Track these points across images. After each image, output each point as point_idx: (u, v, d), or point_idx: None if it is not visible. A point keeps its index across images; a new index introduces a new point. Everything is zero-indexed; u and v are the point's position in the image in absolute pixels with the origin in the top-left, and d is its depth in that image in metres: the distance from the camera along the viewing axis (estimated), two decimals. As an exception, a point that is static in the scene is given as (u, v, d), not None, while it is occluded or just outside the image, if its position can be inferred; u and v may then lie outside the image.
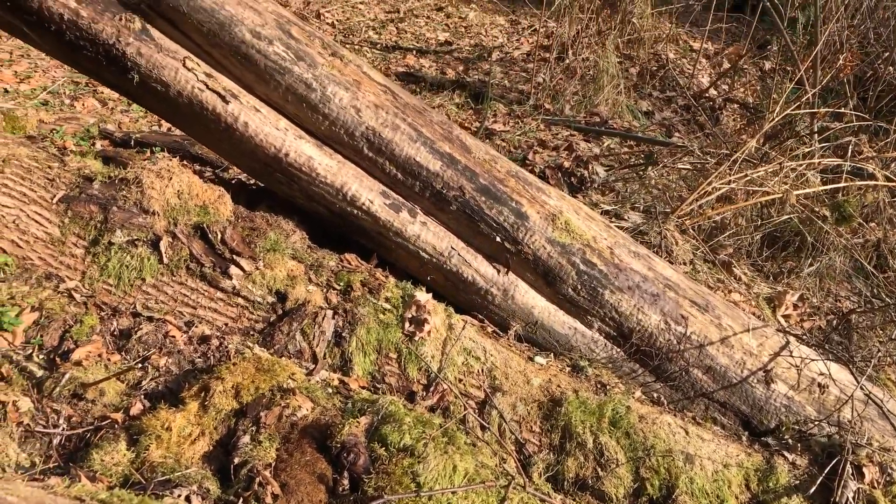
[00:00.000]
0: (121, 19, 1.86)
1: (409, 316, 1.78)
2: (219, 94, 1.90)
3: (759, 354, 2.07)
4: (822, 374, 2.06)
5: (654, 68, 5.95)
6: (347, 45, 6.58)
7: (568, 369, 1.96)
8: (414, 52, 6.58)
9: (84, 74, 2.04)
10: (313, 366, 1.63)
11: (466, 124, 3.98)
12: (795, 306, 2.65)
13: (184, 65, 1.89)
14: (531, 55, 6.68)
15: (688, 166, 3.10)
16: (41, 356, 1.43)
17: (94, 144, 2.88)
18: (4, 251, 1.59)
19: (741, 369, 2.04)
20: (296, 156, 1.96)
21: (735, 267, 2.66)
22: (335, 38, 6.87)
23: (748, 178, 2.56)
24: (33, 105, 3.36)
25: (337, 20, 7.71)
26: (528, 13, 9.35)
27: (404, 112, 2.02)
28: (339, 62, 1.99)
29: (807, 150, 2.87)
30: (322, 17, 7.55)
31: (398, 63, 5.95)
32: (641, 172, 3.07)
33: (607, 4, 5.55)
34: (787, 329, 2.28)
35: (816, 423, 1.96)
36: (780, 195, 2.50)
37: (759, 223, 2.75)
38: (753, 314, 2.43)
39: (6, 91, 3.56)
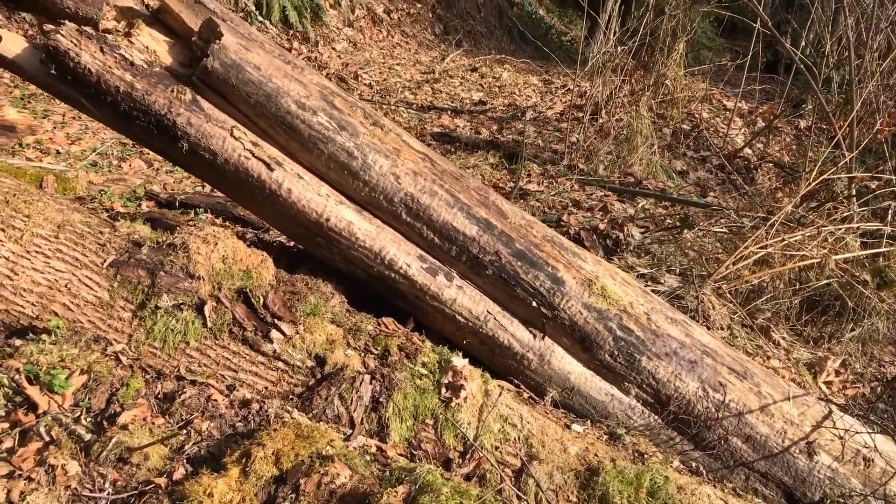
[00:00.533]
0: (173, 91, 1.95)
1: (446, 382, 1.79)
2: (264, 161, 1.97)
3: (801, 424, 2.03)
4: (866, 446, 2.01)
5: (688, 128, 5.98)
6: (384, 106, 6.74)
7: (605, 437, 1.94)
8: (449, 111, 6.71)
9: (135, 142, 2.13)
10: (351, 431, 1.64)
11: (500, 184, 4.03)
12: (837, 373, 2.60)
13: (231, 134, 1.96)
14: (564, 115, 6.78)
15: (724, 229, 3.09)
16: (89, 419, 1.46)
17: (140, 205, 2.98)
18: (56, 314, 1.65)
19: (782, 439, 2.01)
20: (336, 221, 2.01)
21: (774, 332, 2.63)
22: (372, 99, 7.05)
23: (785, 242, 2.55)
24: (83, 166, 3.50)
25: (374, 81, 7.92)
26: (560, 73, 9.52)
27: (442, 178, 2.06)
28: (380, 131, 2.05)
29: (845, 213, 2.85)
30: (360, 78, 7.76)
31: (433, 123, 6.08)
32: (677, 235, 3.07)
33: (640, 66, 5.63)
34: (829, 397, 2.24)
35: (862, 497, 1.90)
36: (819, 260, 2.47)
37: (797, 287, 2.72)
38: (794, 381, 2.39)
39: (59, 152, 3.71)
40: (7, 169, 3.03)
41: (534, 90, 8.33)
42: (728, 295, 2.59)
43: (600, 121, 5.42)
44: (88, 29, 1.92)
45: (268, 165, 1.97)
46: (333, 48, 8.85)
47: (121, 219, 1.94)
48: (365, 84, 7.68)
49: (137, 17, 2.06)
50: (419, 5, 11.02)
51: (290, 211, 2.01)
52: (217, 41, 1.93)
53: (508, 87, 8.42)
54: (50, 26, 1.96)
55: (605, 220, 3.18)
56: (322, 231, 2.03)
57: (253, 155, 1.97)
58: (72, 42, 1.88)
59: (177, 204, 2.97)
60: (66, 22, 1.90)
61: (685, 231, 3.04)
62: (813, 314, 2.80)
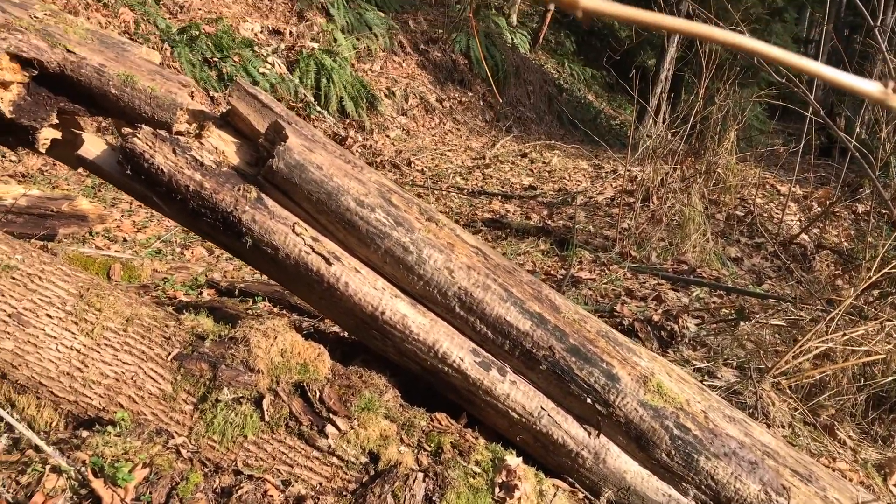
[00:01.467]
0: (239, 189, 2.05)
1: (500, 481, 1.77)
2: (323, 256, 2.03)
3: (874, 533, 1.93)
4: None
5: (742, 214, 5.94)
6: (436, 191, 6.88)
7: (664, 542, 1.87)
8: (499, 197, 6.82)
9: (201, 237, 2.23)
10: (403, 530, 1.63)
11: (552, 271, 4.05)
12: (910, 475, 2.47)
13: (293, 230, 2.04)
14: (615, 200, 6.81)
15: (782, 322, 3.03)
16: (148, 513, 1.49)
17: (201, 293, 3.08)
18: (122, 406, 1.70)
19: (854, 549, 1.91)
20: (391, 314, 2.05)
21: (838, 430, 2.53)
22: (424, 184, 7.21)
23: (847, 336, 2.48)
24: (148, 254, 3.65)
25: (426, 167, 8.13)
26: (610, 158, 9.61)
27: (495, 272, 2.09)
28: (435, 226, 2.11)
29: (910, 306, 2.77)
30: (412, 164, 7.98)
31: (484, 208, 6.17)
32: (733, 326, 3.02)
33: (692, 152, 5.66)
34: (903, 503, 2.12)
35: None
36: (884, 355, 2.40)
37: (862, 383, 2.63)
38: (862, 484, 2.28)
39: (125, 240, 3.89)
40: (78, 258, 3.18)
41: (584, 175, 8.41)
42: (788, 391, 2.51)
43: (652, 207, 5.44)
44: (163, 132, 2.04)
45: (326, 260, 2.03)
46: (387, 135, 9.15)
47: (185, 311, 2.01)
48: (417, 170, 7.88)
49: (208, 120, 2.19)
50: (470, 94, 11.36)
51: (347, 304, 2.06)
52: (282, 143, 2.03)
53: (558, 171, 8.53)
54: (128, 130, 2.10)
55: (660, 311, 3.15)
56: (377, 324, 2.06)
57: (313, 250, 2.04)
58: (147, 144, 2.00)
59: (236, 292, 3.06)
60: (143, 126, 2.04)
61: (742, 322, 2.99)
62: (880, 411, 2.69)
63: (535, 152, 9.52)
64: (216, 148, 2.12)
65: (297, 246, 2.03)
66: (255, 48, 8.31)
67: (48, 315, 1.77)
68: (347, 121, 8.68)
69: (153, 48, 7.51)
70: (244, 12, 9.33)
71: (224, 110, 2.23)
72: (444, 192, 6.86)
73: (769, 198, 7.12)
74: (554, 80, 15.42)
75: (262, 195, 2.08)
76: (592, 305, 3.40)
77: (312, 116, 8.36)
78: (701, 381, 2.46)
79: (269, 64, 8.21)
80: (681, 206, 4.69)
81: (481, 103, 11.50)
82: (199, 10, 8.84)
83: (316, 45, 8.96)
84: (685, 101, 5.71)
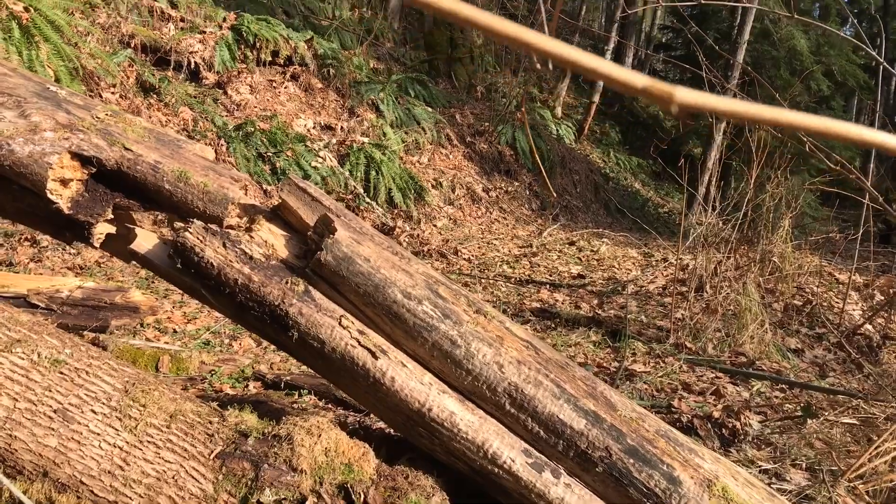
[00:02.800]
0: (287, 283, 2.04)
1: None
2: (369, 350, 1.99)
3: None
4: None
5: (800, 303, 5.74)
6: (483, 280, 6.85)
7: None
8: (547, 286, 6.74)
9: (247, 329, 2.21)
10: None
11: (604, 364, 3.92)
12: None
13: (339, 323, 2.01)
14: (667, 289, 6.67)
15: (854, 420, 2.84)
16: None
17: (247, 386, 3.06)
18: (161, 507, 1.65)
19: None
20: (438, 411, 1.98)
21: (926, 540, 2.31)
22: (471, 273, 7.19)
23: (928, 437, 2.30)
24: (196, 345, 3.66)
25: (473, 255, 8.14)
26: (660, 246, 9.50)
27: (547, 367, 2.01)
28: (483, 318, 2.05)
29: None
30: (459, 253, 7.99)
31: (532, 298, 6.09)
32: (800, 424, 2.84)
33: (745, 241, 5.54)
34: None
35: None
36: (972, 459, 2.21)
37: (949, 488, 2.42)
38: None
39: (175, 331, 3.92)
40: (128, 349, 3.21)
41: (634, 263, 8.30)
42: (866, 496, 2.32)
43: (705, 296, 5.29)
44: (213, 226, 2.07)
45: (373, 354, 1.99)
46: (434, 225, 9.24)
47: (230, 407, 1.97)
48: (464, 259, 7.89)
49: (259, 214, 2.22)
50: (516, 183, 11.48)
51: (393, 399, 1.99)
52: (331, 236, 2.03)
53: (607, 260, 8.44)
54: (180, 224, 2.13)
55: (721, 409, 2.99)
56: (424, 421, 1.99)
57: (359, 343, 2.00)
58: (198, 238, 2.02)
59: (282, 385, 3.03)
60: (195, 220, 2.06)
61: (810, 420, 2.81)
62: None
63: (583, 240, 9.48)
64: (266, 241, 2.13)
65: (343, 339, 2.00)
66: (308, 143, 8.59)
67: (93, 411, 1.75)
68: (396, 211, 8.81)
69: (209, 144, 7.82)
70: (298, 109, 9.71)
71: (275, 203, 2.26)
72: (490, 281, 6.82)
73: (827, 286, 6.89)
74: (600, 170, 15.54)
75: (310, 288, 2.06)
76: (648, 401, 3.25)
77: (362, 207, 8.51)
78: (769, 485, 2.30)
79: (321, 158, 8.45)
80: (736, 296, 4.55)
81: (527, 192, 11.59)
82: (255, 107, 9.23)
83: (366, 140, 9.22)
84: (734, 188, 5.63)
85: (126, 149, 2.12)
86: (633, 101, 21.37)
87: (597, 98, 16.32)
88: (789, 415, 2.99)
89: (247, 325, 2.17)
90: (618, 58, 20.24)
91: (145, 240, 2.15)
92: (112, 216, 2.18)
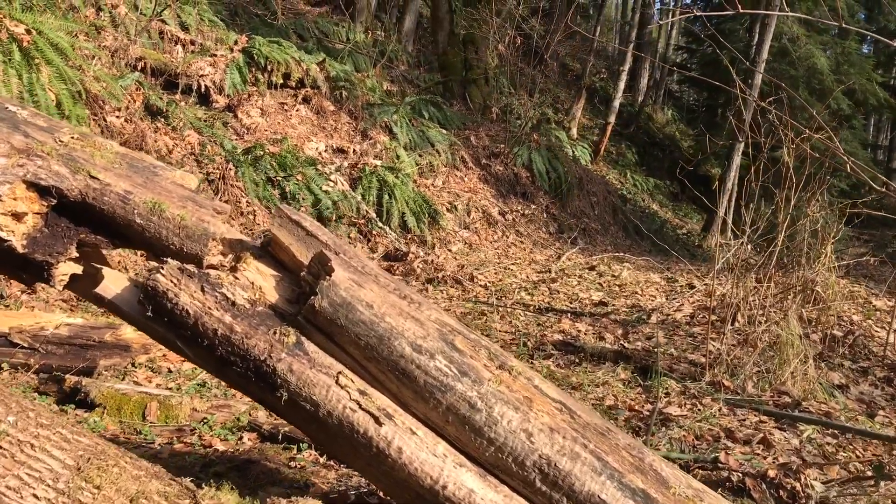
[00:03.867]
0: (275, 333, 1.73)
1: None
2: (372, 414, 1.67)
3: None
4: None
5: (841, 333, 5.36)
6: (500, 308, 6.51)
7: None
8: (569, 314, 6.40)
9: (230, 387, 1.91)
10: None
11: (636, 406, 3.57)
12: None
13: (336, 381, 1.70)
14: (695, 318, 6.30)
15: (937, 484, 2.48)
16: None
17: (241, 438, 2.74)
18: None
19: None
20: (455, 488, 1.65)
21: None
22: (487, 301, 6.86)
23: None
24: (190, 388, 3.35)
25: (490, 282, 7.81)
26: (683, 269, 9.13)
27: (584, 435, 1.69)
28: (508, 376, 1.73)
29: None
30: (475, 279, 7.67)
31: (553, 328, 5.75)
32: (871, 486, 2.49)
33: (779, 267, 5.18)
34: None
35: None
36: None
37: None
38: None
39: (170, 371, 3.61)
40: (113, 396, 2.90)
41: (657, 289, 7.94)
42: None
43: (737, 324, 4.93)
44: (190, 267, 1.76)
45: (376, 419, 1.67)
46: (449, 249, 8.93)
47: (208, 482, 1.66)
48: (480, 285, 7.57)
49: (246, 251, 1.91)
50: (533, 206, 11.17)
51: (400, 474, 1.67)
52: (327, 277, 1.72)
53: (630, 285, 8.08)
54: (153, 263, 1.83)
55: (776, 465, 2.64)
56: (437, 500, 1.66)
57: (360, 406, 1.68)
58: (171, 282, 1.72)
59: (280, 437, 2.71)
60: (169, 260, 1.76)
61: (881, 482, 2.46)
62: None
63: (604, 265, 9.13)
64: (253, 283, 1.83)
65: (340, 401, 1.68)
66: (318, 166, 8.33)
67: (35, 496, 1.44)
68: (409, 236, 8.52)
69: (217, 169, 7.57)
70: (309, 132, 9.48)
71: (264, 240, 1.96)
72: (508, 310, 6.49)
73: (866, 314, 6.50)
74: (617, 191, 15.21)
75: (303, 339, 1.75)
76: (689, 453, 2.90)
77: (374, 232, 8.23)
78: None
79: (332, 181, 8.19)
80: (776, 328, 4.19)
81: (545, 215, 11.27)
82: (266, 131, 9.01)
83: (379, 163, 8.96)
84: (756, 209, 5.26)
85: (92, 177, 1.83)
86: (649, 121, 21.08)
87: (612, 118, 16.04)
88: (858, 475, 2.63)
89: (229, 381, 1.86)
90: (633, 78, 19.98)
91: (114, 282, 1.85)
92: (77, 254, 1.89)
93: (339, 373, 1.71)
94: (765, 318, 4.59)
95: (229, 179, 7.48)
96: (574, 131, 15.74)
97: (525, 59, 15.60)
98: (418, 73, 13.56)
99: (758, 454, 2.97)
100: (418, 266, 7.58)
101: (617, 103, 16.16)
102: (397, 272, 7.45)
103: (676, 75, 23.96)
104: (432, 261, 7.93)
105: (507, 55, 14.97)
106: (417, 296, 1.86)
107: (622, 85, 16.19)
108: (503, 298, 7.06)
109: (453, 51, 13.36)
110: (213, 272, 1.80)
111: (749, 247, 5.56)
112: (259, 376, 1.72)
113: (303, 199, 7.71)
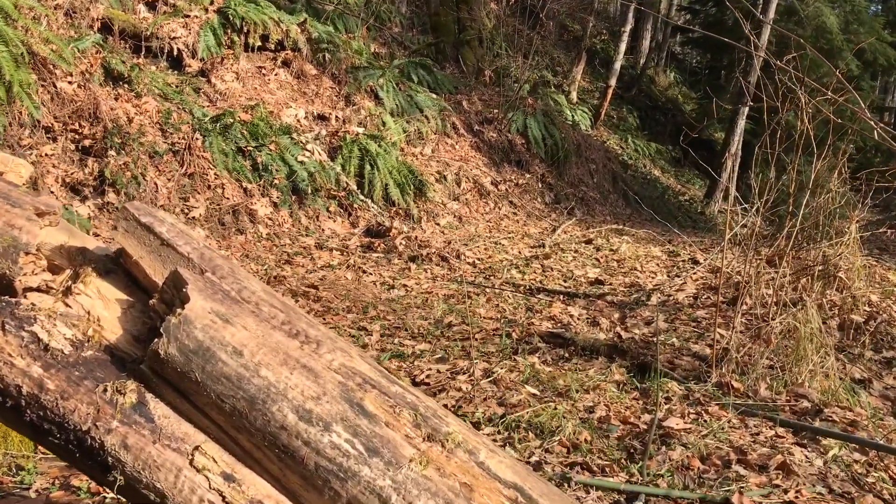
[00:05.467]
0: (105, 391, 1.21)
1: None
2: (240, 511, 1.16)
3: None
4: None
5: (861, 319, 4.83)
6: (487, 290, 5.98)
7: None
8: (561, 296, 5.88)
9: (61, 460, 1.39)
10: None
11: (631, 417, 3.07)
12: None
13: (190, 462, 1.18)
14: (698, 299, 5.79)
15: None
16: None
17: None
18: None
19: None
20: None
21: None
22: (475, 280, 6.33)
23: None
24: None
25: (478, 258, 7.29)
26: (685, 242, 8.60)
27: (548, 536, 1.17)
28: (439, 451, 1.21)
29: None
30: (463, 256, 7.15)
31: (542, 314, 5.24)
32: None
33: (795, 246, 4.63)
34: None
35: None
36: None
37: None
38: None
39: None
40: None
41: (658, 264, 7.42)
42: None
43: (745, 306, 4.40)
44: (-13, 296, 1.24)
45: (245, 519, 1.16)
46: (437, 223, 8.39)
47: None
48: (468, 263, 7.05)
49: (89, 264, 1.38)
50: (528, 175, 10.59)
51: None
52: (179, 309, 1.19)
53: (628, 260, 7.56)
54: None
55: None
56: None
57: (223, 499, 1.17)
58: (-48, 320, 1.19)
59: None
60: (-46, 286, 1.24)
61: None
62: None
63: (602, 238, 8.59)
64: (88, 313, 1.30)
65: (195, 492, 1.16)
66: (294, 135, 7.75)
67: None
68: (393, 209, 7.97)
69: (184, 138, 7.00)
70: (288, 98, 8.86)
71: (115, 249, 1.43)
72: (496, 291, 5.97)
73: (884, 293, 5.95)
74: (618, 157, 14.59)
75: (148, 398, 1.23)
76: (694, 490, 2.40)
77: (355, 206, 7.68)
78: None
79: (308, 151, 7.61)
80: (793, 320, 3.66)
81: (540, 185, 10.69)
82: (241, 96, 8.40)
83: (360, 130, 8.37)
84: (762, 177, 4.69)
85: None
86: (651, 84, 20.36)
87: (613, 81, 15.35)
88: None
89: (54, 453, 1.34)
90: (634, 40, 19.19)
91: None
92: None
93: (197, 448, 1.19)
94: (778, 307, 4.06)
95: (195, 150, 6.91)
96: (574, 95, 15.08)
97: (521, 20, 14.86)
98: (411, 34, 12.87)
99: (777, 485, 2.47)
100: (400, 243, 7.04)
101: (618, 65, 15.46)
102: (378, 249, 6.92)
103: (679, 36, 23.16)
104: (416, 237, 7.39)
105: (502, 15, 14.26)
106: (318, 330, 1.32)
107: (623, 46, 15.46)
108: (492, 278, 6.55)
109: (445, 10, 12.62)
110: (24, 301, 1.27)
111: (758, 219, 5.01)
112: (84, 452, 1.20)
113: (276, 170, 7.14)
